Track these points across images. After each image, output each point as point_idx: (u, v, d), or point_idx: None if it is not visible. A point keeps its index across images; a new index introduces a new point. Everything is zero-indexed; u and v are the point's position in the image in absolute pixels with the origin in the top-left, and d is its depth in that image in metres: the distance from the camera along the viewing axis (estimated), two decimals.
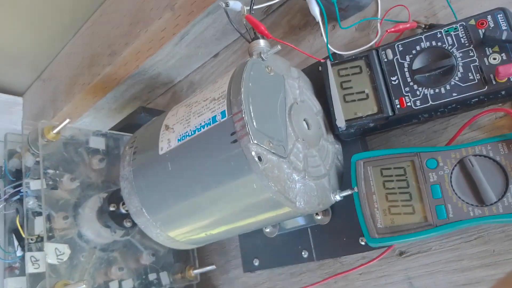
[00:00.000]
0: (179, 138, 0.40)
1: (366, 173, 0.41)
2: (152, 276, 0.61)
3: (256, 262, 0.54)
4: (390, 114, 0.42)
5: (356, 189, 0.40)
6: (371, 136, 0.48)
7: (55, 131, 0.54)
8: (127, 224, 0.57)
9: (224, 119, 0.36)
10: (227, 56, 0.72)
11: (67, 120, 0.52)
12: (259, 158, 0.34)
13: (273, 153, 0.35)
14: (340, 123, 0.43)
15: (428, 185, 0.39)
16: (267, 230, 0.52)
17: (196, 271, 0.64)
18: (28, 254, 0.50)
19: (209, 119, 0.37)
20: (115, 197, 0.58)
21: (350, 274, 0.51)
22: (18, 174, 0.57)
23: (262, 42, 0.44)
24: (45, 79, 0.88)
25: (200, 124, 0.38)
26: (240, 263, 0.64)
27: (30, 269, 0.50)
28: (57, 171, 0.55)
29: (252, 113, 0.35)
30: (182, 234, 0.45)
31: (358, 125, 0.43)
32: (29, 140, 0.56)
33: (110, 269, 0.57)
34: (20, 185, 0.55)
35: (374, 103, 0.42)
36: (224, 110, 0.36)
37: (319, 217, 0.47)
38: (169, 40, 0.65)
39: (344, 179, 0.45)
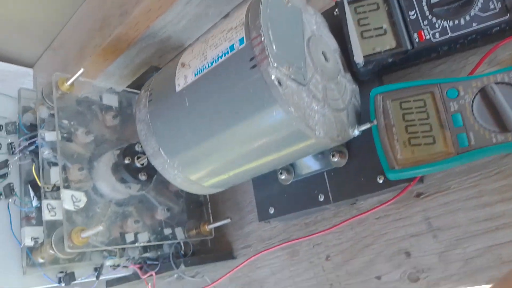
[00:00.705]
0: (196, 72, 0.39)
1: (385, 107, 0.41)
2: (167, 231, 0.61)
3: (272, 210, 0.54)
4: (409, 48, 0.41)
5: (375, 122, 0.39)
6: (386, 76, 0.48)
7: (69, 82, 0.54)
8: (142, 177, 0.58)
9: (242, 45, 0.35)
10: None
11: (81, 70, 0.52)
12: (279, 83, 0.34)
13: (293, 79, 0.35)
14: (358, 58, 0.42)
15: (449, 114, 0.38)
16: (282, 177, 0.52)
17: (211, 225, 0.64)
18: (44, 202, 0.50)
19: (227, 48, 0.37)
20: (130, 151, 0.58)
21: (367, 219, 0.51)
22: (32, 128, 0.57)
23: None
24: (56, 48, 0.88)
25: (218, 55, 0.38)
26: (255, 218, 0.64)
27: (46, 216, 0.50)
28: (72, 122, 0.55)
29: (271, 37, 0.34)
30: (201, 174, 0.44)
31: (376, 61, 0.42)
32: (43, 94, 0.56)
33: (126, 222, 0.57)
34: (35, 137, 0.55)
35: (393, 38, 0.42)
36: (242, 37, 0.36)
37: (336, 159, 0.47)
38: None
39: (362, 119, 0.44)
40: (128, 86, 0.70)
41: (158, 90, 0.44)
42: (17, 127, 0.58)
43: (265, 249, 0.59)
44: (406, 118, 0.40)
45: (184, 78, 0.41)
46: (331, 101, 0.39)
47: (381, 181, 0.44)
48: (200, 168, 0.44)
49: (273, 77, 0.33)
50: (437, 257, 0.45)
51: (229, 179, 0.45)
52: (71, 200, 0.50)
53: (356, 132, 0.40)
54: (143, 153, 0.59)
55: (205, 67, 0.39)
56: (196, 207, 0.68)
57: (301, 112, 0.35)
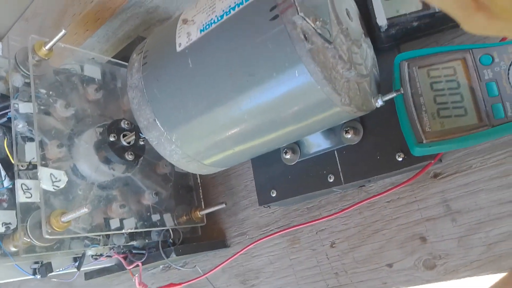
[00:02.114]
0: (202, 28, 0.34)
1: (411, 74, 0.37)
2: (155, 217, 0.56)
3: (274, 193, 0.49)
4: (437, 11, 0.37)
5: (401, 91, 0.35)
6: (404, 46, 0.44)
7: (47, 46, 0.48)
8: (129, 157, 0.52)
9: None
10: None
11: (63, 31, 0.46)
12: (305, 37, 0.29)
13: (319, 34, 0.30)
14: (381, 21, 0.38)
15: (483, 83, 0.35)
16: (287, 156, 0.47)
17: (203, 211, 0.59)
18: (18, 181, 0.44)
19: None
20: (116, 128, 0.52)
21: (377, 202, 0.48)
22: (3, 99, 0.50)
23: None
24: (28, 18, 0.80)
25: (229, 6, 0.32)
26: (250, 204, 0.60)
27: (21, 198, 0.44)
28: (51, 93, 0.49)
29: None
30: (202, 149, 0.39)
31: (400, 24, 0.38)
32: (17, 59, 0.49)
33: (110, 207, 0.51)
34: (6, 107, 0.48)
35: None
36: None
37: (349, 136, 0.43)
38: None
39: (381, 91, 0.40)
40: (112, 58, 0.64)
41: (154, 51, 0.39)
42: None
43: (263, 237, 0.55)
44: (435, 87, 0.36)
45: (187, 35, 0.35)
46: (355, 65, 0.34)
47: (400, 159, 0.40)
48: (203, 142, 0.39)
49: (298, 29, 0.29)
50: (456, 242, 0.42)
51: (234, 155, 0.40)
52: (49, 179, 0.44)
53: (380, 102, 0.36)
54: (130, 130, 0.53)
55: (214, 21, 0.33)
56: (186, 192, 0.63)
57: (327, 73, 0.30)
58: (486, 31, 0.22)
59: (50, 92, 0.49)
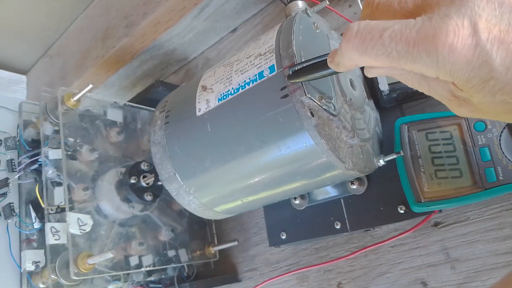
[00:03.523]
0: (220, 98, 0.38)
1: (411, 137, 0.40)
2: (171, 253, 0.59)
3: (284, 235, 0.52)
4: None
5: (401, 153, 0.38)
6: (406, 106, 0.47)
7: (75, 98, 0.52)
8: (148, 197, 0.56)
9: (273, 73, 0.34)
10: (246, 31, 0.70)
11: (90, 86, 0.50)
12: (311, 113, 0.33)
13: (324, 109, 0.34)
14: (383, 86, 0.41)
15: (477, 148, 0.38)
16: (296, 202, 0.51)
17: (216, 247, 0.62)
18: (48, 225, 0.48)
19: (255, 75, 0.36)
20: (136, 170, 0.56)
21: (381, 247, 0.50)
22: (34, 145, 0.55)
23: (300, 3, 0.43)
24: (53, 55, 0.85)
25: (245, 81, 0.36)
26: (261, 240, 0.62)
27: (50, 240, 0.48)
28: (77, 140, 0.53)
29: None
30: (217, 200, 0.43)
31: (401, 89, 0.42)
32: (47, 108, 0.53)
33: (130, 244, 0.55)
34: (36, 154, 0.52)
35: None
36: (273, 65, 0.34)
37: (354, 187, 0.46)
38: (190, 11, 0.63)
39: (384, 147, 0.44)
40: (131, 100, 0.68)
41: (176, 112, 0.42)
42: (17, 143, 0.55)
43: (275, 277, 0.57)
44: (433, 150, 0.39)
45: (206, 102, 0.39)
46: (358, 131, 0.38)
47: (402, 211, 0.43)
48: (217, 194, 0.42)
49: (305, 107, 0.32)
50: None
51: (244, 205, 0.44)
52: (77, 223, 0.48)
53: (381, 162, 0.39)
54: (149, 172, 0.57)
55: (230, 93, 0.37)
56: (199, 227, 0.66)
57: (332, 144, 0.34)
58: (473, 116, 0.25)
59: (77, 140, 0.53)
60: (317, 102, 0.33)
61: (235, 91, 0.37)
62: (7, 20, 0.79)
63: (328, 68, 0.28)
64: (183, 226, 0.63)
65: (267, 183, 0.39)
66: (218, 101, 0.38)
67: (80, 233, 0.48)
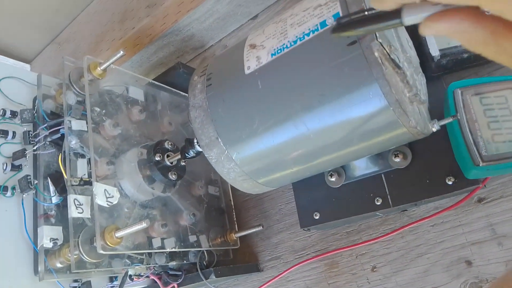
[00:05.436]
0: (273, 53, 0.36)
1: (465, 101, 0.39)
2: (192, 238, 0.56)
3: (317, 216, 0.50)
4: None
5: (457, 116, 0.37)
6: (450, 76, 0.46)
7: (102, 67, 0.50)
8: (173, 176, 0.53)
9: None
10: (267, 17, 0.70)
11: (121, 52, 0.47)
12: (381, 61, 0.31)
13: (392, 59, 0.32)
14: (434, 51, 0.40)
15: None
16: (332, 179, 0.49)
17: (239, 233, 0.59)
18: (71, 197, 0.44)
19: (316, 25, 0.34)
20: (160, 148, 0.54)
21: (420, 226, 0.49)
22: (52, 117, 0.51)
23: None
24: (61, 42, 0.82)
25: (304, 32, 0.35)
26: (285, 227, 0.60)
27: (73, 213, 0.44)
28: (103, 111, 0.50)
29: None
30: (261, 169, 0.40)
31: (451, 55, 0.41)
32: (70, 78, 0.51)
33: (152, 226, 0.52)
34: (59, 124, 0.49)
35: None
36: (338, 12, 0.33)
37: (398, 160, 0.45)
38: None
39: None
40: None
41: (220, 74, 0.40)
42: (34, 115, 0.52)
43: (302, 261, 0.55)
44: (488, 114, 0.38)
45: (256, 59, 0.37)
46: (418, 90, 0.36)
47: (450, 183, 0.42)
48: (263, 161, 0.40)
49: (376, 54, 0.31)
50: (503, 265, 0.43)
51: (290, 175, 0.42)
52: (104, 195, 0.44)
53: (436, 127, 0.38)
54: (173, 151, 0.54)
55: (286, 46, 0.35)
56: (218, 214, 0.63)
57: (399, 96, 0.32)
58: None
59: (103, 111, 0.50)
60: (386, 49, 0.32)
61: (292, 43, 0.35)
62: (15, 5, 0.76)
63: (392, 18, 0.25)
64: (201, 213, 0.60)
65: (325, 146, 0.37)
66: (272, 56, 0.36)
67: (107, 205, 0.44)
